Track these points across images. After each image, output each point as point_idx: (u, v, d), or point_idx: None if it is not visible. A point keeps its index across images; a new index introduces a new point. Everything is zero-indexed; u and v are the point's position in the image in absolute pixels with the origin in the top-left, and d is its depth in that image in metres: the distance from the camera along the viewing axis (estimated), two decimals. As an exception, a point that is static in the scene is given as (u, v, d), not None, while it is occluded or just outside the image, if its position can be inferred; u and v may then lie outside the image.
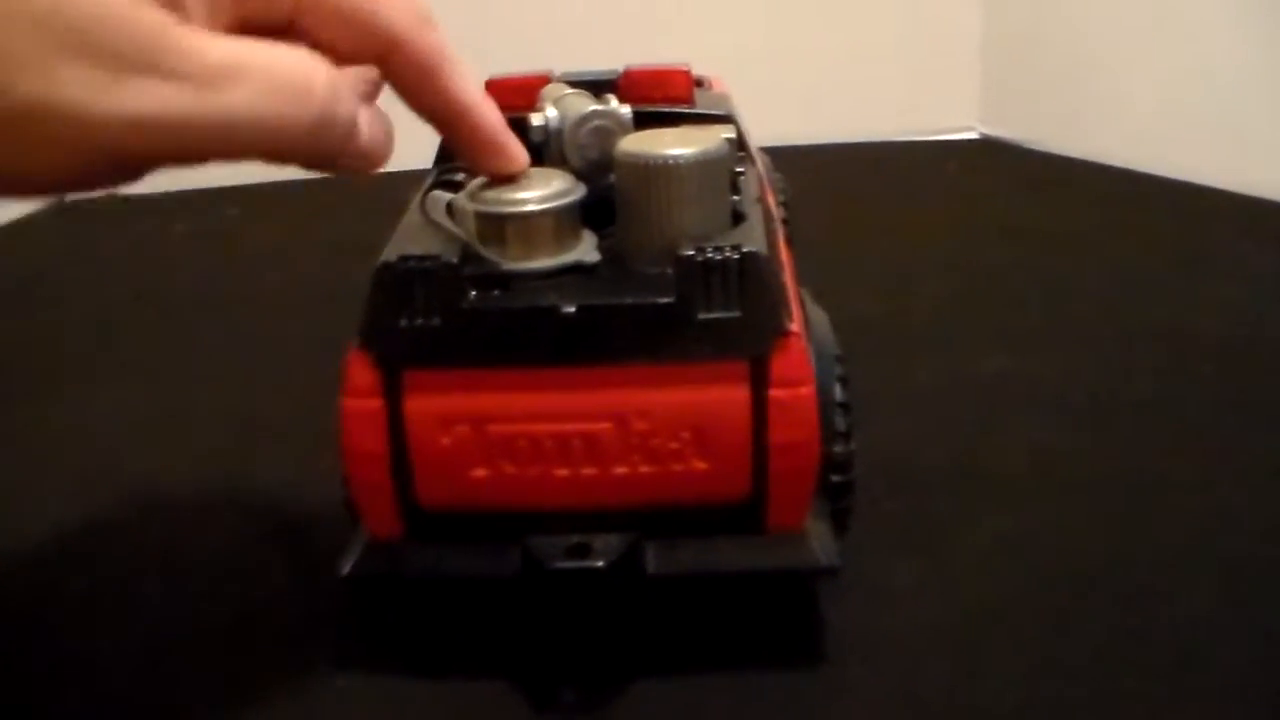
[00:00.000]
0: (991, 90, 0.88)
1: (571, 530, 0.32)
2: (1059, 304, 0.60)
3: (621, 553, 0.31)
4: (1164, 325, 0.57)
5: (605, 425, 0.31)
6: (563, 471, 0.31)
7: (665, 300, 0.30)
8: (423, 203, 0.34)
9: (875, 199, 0.79)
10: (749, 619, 0.36)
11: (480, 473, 0.31)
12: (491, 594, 0.35)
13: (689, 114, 0.39)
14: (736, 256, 0.30)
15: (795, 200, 0.57)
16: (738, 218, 0.33)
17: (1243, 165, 0.72)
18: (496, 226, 0.31)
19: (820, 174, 0.83)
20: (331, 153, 0.27)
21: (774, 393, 0.30)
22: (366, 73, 0.30)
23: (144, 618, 0.38)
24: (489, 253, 0.31)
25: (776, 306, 0.30)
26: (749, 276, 0.30)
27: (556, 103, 0.36)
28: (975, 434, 0.47)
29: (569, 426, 0.31)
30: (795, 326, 0.31)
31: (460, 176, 0.37)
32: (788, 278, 0.35)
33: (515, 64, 0.43)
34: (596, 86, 0.39)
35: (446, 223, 0.32)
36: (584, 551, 0.31)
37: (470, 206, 0.31)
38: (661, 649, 0.35)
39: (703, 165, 0.31)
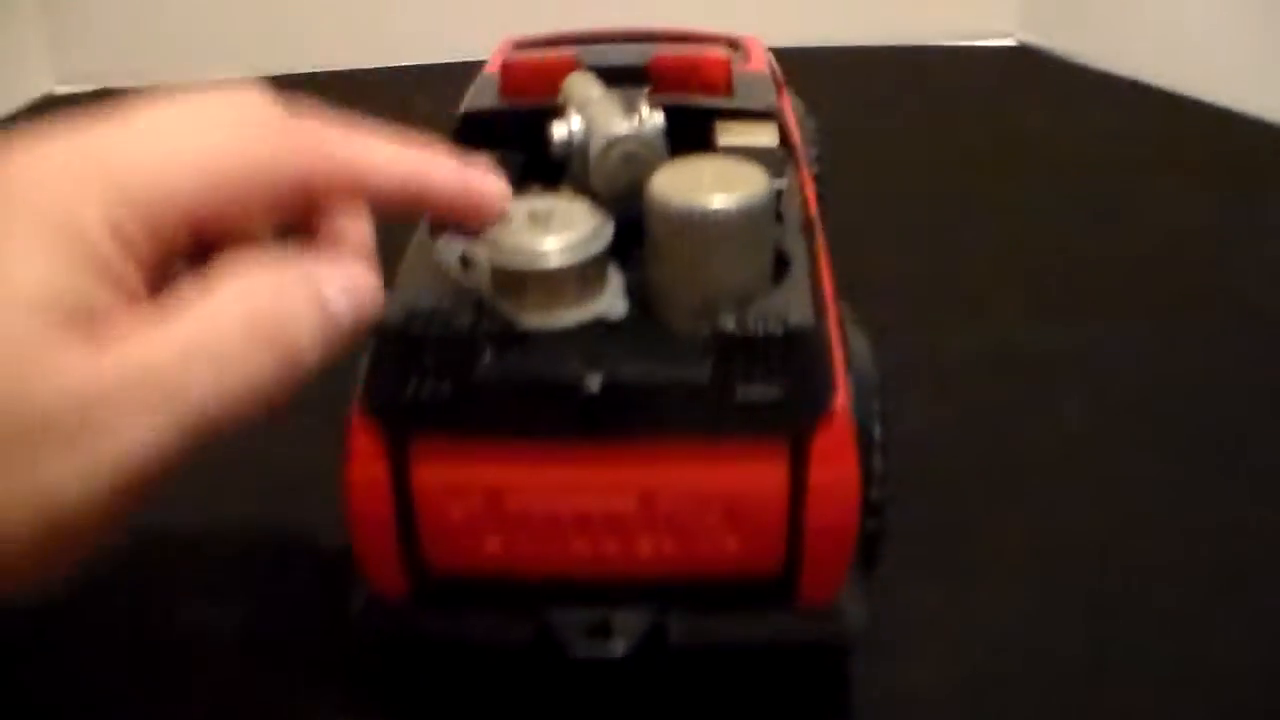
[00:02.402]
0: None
1: (591, 600, 0.30)
2: (1100, 263, 0.57)
3: (644, 630, 0.29)
4: (1213, 290, 0.54)
5: (630, 501, 0.28)
6: (583, 545, 0.29)
7: (700, 377, 0.27)
8: (430, 236, 0.31)
9: (908, 123, 0.74)
10: (773, 674, 0.34)
11: (494, 543, 0.29)
12: (504, 657, 0.33)
13: (726, 109, 0.35)
14: (781, 331, 0.27)
15: (825, 125, 0.52)
16: (780, 260, 0.30)
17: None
18: (515, 280, 0.28)
19: (848, 87, 0.78)
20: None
21: (814, 474, 0.28)
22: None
23: (145, 652, 0.36)
24: (505, 307, 0.28)
25: (822, 383, 0.28)
26: (794, 354, 0.27)
27: (581, 108, 0.32)
28: (1008, 421, 0.45)
29: (591, 501, 0.28)
30: (840, 401, 0.28)
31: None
32: (829, 307, 0.32)
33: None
34: (624, 74, 0.36)
35: (458, 273, 0.29)
36: (604, 630, 0.29)
37: (486, 258, 0.28)
38: (681, 707, 0.33)
39: (745, 216, 0.27)
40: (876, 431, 0.33)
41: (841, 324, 0.34)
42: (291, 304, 0.23)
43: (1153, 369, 0.48)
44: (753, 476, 0.28)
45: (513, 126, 0.36)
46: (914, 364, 0.47)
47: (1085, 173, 0.66)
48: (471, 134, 0.36)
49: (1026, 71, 0.81)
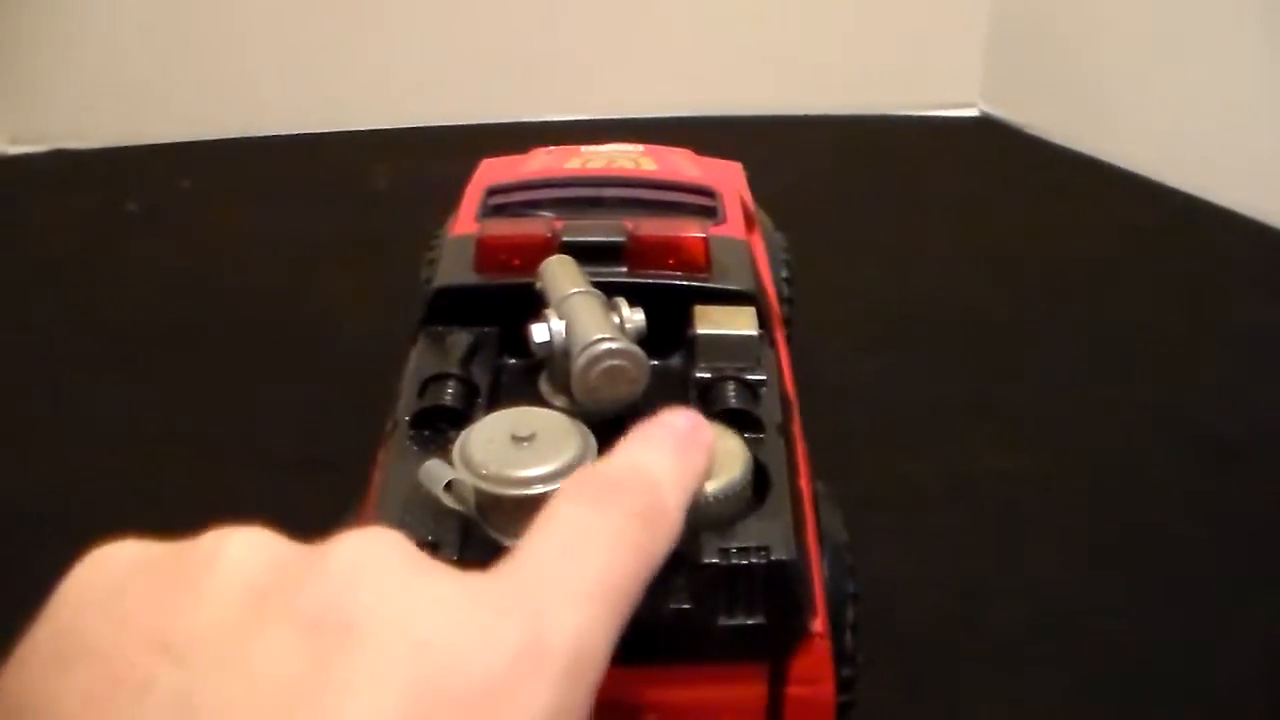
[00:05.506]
0: (996, 63, 0.83)
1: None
2: (1057, 376, 0.57)
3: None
4: (1173, 414, 0.55)
5: (612, 716, 0.29)
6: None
7: (683, 606, 0.28)
8: (406, 444, 0.31)
9: (869, 201, 0.75)
10: None
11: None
12: None
13: (703, 289, 0.36)
14: (763, 563, 0.27)
15: (788, 193, 0.53)
16: (760, 470, 0.30)
17: (1262, 190, 0.69)
18: (499, 504, 0.28)
19: (811, 157, 0.78)
20: None
21: (792, 691, 0.29)
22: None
23: None
24: (490, 527, 0.28)
25: (801, 610, 0.28)
26: (775, 586, 0.28)
27: (559, 305, 0.32)
28: (974, 570, 0.46)
29: (574, 717, 0.29)
30: (818, 624, 0.29)
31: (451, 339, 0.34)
32: (803, 484, 0.32)
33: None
34: (602, 252, 0.36)
35: (443, 497, 0.29)
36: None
37: (470, 481, 0.28)
38: None
39: (723, 498, 0.28)
40: (850, 613, 0.34)
41: (816, 502, 0.35)
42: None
43: (1112, 505, 0.49)
44: (734, 694, 0.29)
45: (488, 302, 0.36)
46: (869, 495, 0.47)
47: (1046, 272, 0.67)
48: (445, 308, 0.36)
49: (988, 150, 0.81)
